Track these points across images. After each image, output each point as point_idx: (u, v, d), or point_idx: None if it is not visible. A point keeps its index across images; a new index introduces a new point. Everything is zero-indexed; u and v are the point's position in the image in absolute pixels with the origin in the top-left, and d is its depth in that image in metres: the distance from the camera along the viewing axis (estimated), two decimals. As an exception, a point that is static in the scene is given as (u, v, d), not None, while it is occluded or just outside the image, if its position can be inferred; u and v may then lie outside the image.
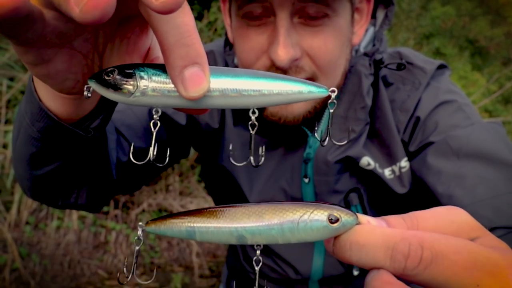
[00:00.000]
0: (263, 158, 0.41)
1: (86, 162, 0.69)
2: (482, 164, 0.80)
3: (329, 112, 0.40)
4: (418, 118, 0.90)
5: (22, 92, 3.02)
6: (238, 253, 1.12)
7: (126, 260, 0.41)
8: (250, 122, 0.39)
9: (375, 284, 0.31)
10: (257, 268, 0.38)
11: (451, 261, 0.30)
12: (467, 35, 7.19)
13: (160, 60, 0.41)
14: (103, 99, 0.55)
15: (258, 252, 0.37)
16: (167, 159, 0.43)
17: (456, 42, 6.93)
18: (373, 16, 0.96)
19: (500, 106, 5.96)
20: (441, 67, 0.97)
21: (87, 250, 3.09)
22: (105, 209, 3.28)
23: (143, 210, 3.38)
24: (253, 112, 0.38)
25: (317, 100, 0.85)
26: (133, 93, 0.36)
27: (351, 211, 0.34)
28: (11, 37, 0.35)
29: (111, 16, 0.30)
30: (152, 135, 0.39)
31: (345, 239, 0.34)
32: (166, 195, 3.50)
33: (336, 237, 0.34)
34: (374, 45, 0.93)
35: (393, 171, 0.91)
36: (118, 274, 0.39)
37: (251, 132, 0.39)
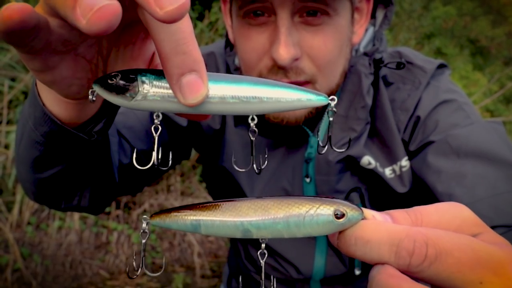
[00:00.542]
0: (266, 162, 0.41)
1: (89, 165, 0.69)
2: (482, 163, 0.80)
3: (329, 120, 0.40)
4: (418, 118, 0.90)
5: (24, 93, 3.02)
6: (240, 253, 1.13)
7: (134, 255, 0.41)
8: (250, 129, 0.39)
9: (380, 277, 0.31)
10: (262, 262, 0.38)
11: (455, 258, 0.30)
12: (468, 35, 7.18)
13: None
14: (105, 103, 0.56)
15: (263, 245, 0.38)
16: (170, 162, 0.43)
17: (457, 42, 6.92)
18: (373, 16, 0.96)
19: (501, 106, 5.95)
20: (441, 66, 0.97)
21: (89, 250, 3.09)
22: (106, 209, 3.29)
23: (145, 211, 3.38)
24: (252, 119, 0.39)
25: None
26: (134, 97, 0.37)
27: (357, 206, 0.34)
28: (18, 46, 0.35)
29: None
30: (154, 139, 0.39)
31: (350, 234, 0.34)
32: (167, 195, 3.50)
33: (341, 232, 0.34)
34: (374, 44, 0.94)
35: (393, 171, 0.91)
36: (127, 268, 0.39)
37: (252, 138, 0.39)
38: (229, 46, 0.98)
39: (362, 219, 0.34)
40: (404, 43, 5.70)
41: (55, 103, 0.53)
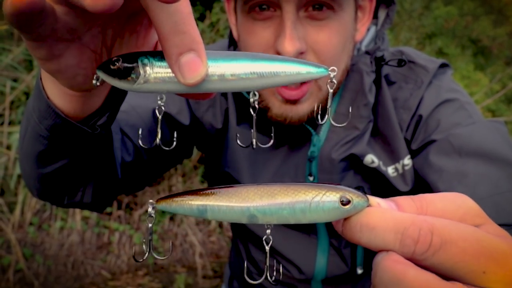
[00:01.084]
0: (271, 142, 0.42)
1: (92, 160, 0.69)
2: (484, 162, 0.80)
3: (330, 93, 0.40)
4: (420, 117, 0.90)
5: (26, 93, 3.03)
6: (241, 253, 1.13)
7: (143, 239, 0.42)
8: (251, 105, 0.39)
9: (385, 264, 0.31)
10: (267, 247, 0.38)
11: (459, 247, 0.31)
12: (469, 34, 7.16)
13: None
14: (109, 97, 0.56)
15: (268, 231, 0.38)
16: (174, 143, 0.44)
17: (458, 42, 6.91)
18: (375, 16, 0.96)
19: (503, 106, 5.94)
20: (443, 66, 0.97)
21: (91, 250, 3.10)
22: (108, 210, 3.29)
23: (146, 211, 3.38)
24: (254, 95, 0.39)
25: (321, 100, 0.86)
26: (136, 81, 0.37)
27: (362, 193, 0.35)
28: (25, 32, 0.36)
29: (120, 8, 0.31)
30: (158, 120, 0.40)
31: (355, 220, 0.34)
32: (169, 195, 3.50)
33: (346, 219, 0.35)
34: (375, 43, 0.94)
35: (396, 169, 0.92)
36: (134, 252, 0.40)
37: (253, 114, 0.40)
38: (233, 45, 0.98)
39: (368, 206, 0.34)
40: (406, 43, 5.69)
41: (59, 96, 0.53)
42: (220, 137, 1.01)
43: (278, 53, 0.80)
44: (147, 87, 0.38)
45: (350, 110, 0.90)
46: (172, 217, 3.46)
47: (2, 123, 2.87)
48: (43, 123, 0.58)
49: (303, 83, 0.82)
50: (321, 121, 0.41)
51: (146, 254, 0.40)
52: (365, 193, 1.01)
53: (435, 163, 0.85)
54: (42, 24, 0.35)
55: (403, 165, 0.91)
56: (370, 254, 0.98)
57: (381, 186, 0.94)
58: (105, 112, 0.58)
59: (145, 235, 3.28)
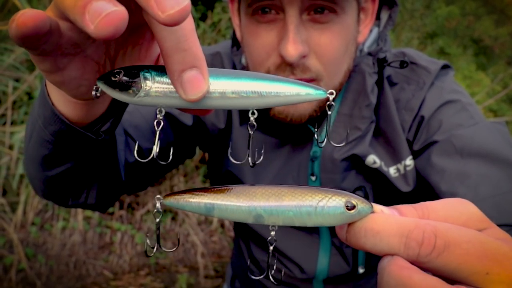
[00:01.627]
0: (261, 158, 0.42)
1: (96, 164, 0.70)
2: (485, 163, 0.81)
3: (328, 115, 0.40)
4: (422, 117, 0.91)
5: (28, 94, 3.03)
6: (243, 253, 1.13)
7: (147, 234, 0.43)
8: (249, 123, 0.40)
9: (392, 268, 0.32)
10: (271, 248, 0.39)
11: (463, 249, 0.31)
12: (471, 34, 7.16)
13: None
14: (113, 103, 0.57)
15: (273, 233, 0.38)
16: (170, 157, 0.44)
17: (460, 42, 6.90)
18: (377, 17, 0.97)
19: (505, 106, 5.93)
20: (445, 67, 0.98)
21: (93, 250, 3.10)
22: (110, 210, 3.30)
23: (148, 211, 3.39)
24: (253, 113, 0.39)
25: (322, 100, 0.86)
26: (137, 94, 0.38)
27: (367, 200, 0.35)
28: (30, 49, 0.37)
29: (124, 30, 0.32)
30: (156, 133, 0.40)
31: (360, 226, 0.34)
32: (170, 195, 3.50)
33: (350, 224, 0.35)
34: (378, 45, 0.94)
35: (398, 170, 0.92)
36: (146, 246, 0.40)
37: (250, 132, 0.40)
38: (236, 45, 0.98)
39: (372, 212, 0.35)
40: (407, 42, 5.69)
41: (64, 103, 0.54)
42: (223, 137, 1.01)
43: (281, 55, 0.80)
44: (147, 101, 0.38)
45: (351, 113, 0.90)
46: (174, 217, 3.46)
47: (4, 123, 2.88)
48: (48, 128, 0.59)
49: (306, 82, 0.83)
50: (319, 138, 0.41)
51: (155, 249, 0.40)
52: (366, 193, 1.01)
53: (437, 164, 0.85)
54: (47, 41, 0.36)
55: (405, 166, 0.91)
56: (371, 254, 0.99)
57: (383, 187, 0.94)
58: (108, 118, 0.59)
59: (147, 233, 3.28)
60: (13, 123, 2.91)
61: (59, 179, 0.71)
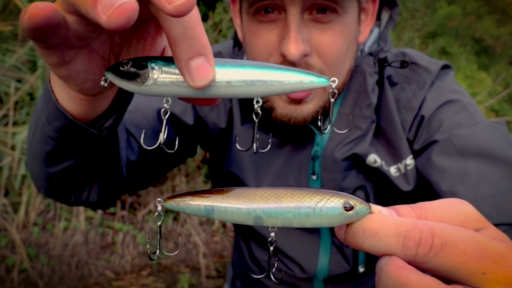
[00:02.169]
0: (268, 146, 0.43)
1: (98, 160, 0.71)
2: (485, 163, 0.81)
3: (332, 102, 0.41)
4: (422, 117, 0.91)
5: (30, 94, 3.04)
6: (243, 253, 1.13)
7: (148, 238, 0.43)
8: (254, 111, 0.40)
9: (390, 268, 0.32)
10: (271, 248, 0.40)
11: (460, 249, 0.31)
12: (473, 34, 7.15)
13: None
14: (116, 99, 0.58)
15: (273, 234, 0.39)
16: (176, 146, 0.45)
17: (462, 41, 6.89)
18: (378, 18, 0.97)
19: (506, 106, 5.92)
20: (445, 67, 0.98)
21: (95, 251, 3.10)
22: (112, 210, 3.30)
23: (150, 211, 3.39)
24: (257, 102, 0.40)
25: (325, 100, 0.86)
26: (145, 83, 0.39)
27: (365, 200, 0.36)
28: (39, 41, 0.38)
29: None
30: (162, 123, 0.41)
31: (358, 226, 0.35)
32: (172, 196, 3.51)
33: (348, 225, 0.36)
34: (378, 45, 0.95)
35: (398, 169, 0.92)
36: (149, 251, 0.41)
37: (255, 119, 0.41)
38: (238, 45, 0.99)
39: (370, 213, 0.35)
40: (408, 42, 5.68)
41: (68, 99, 0.55)
42: (224, 136, 1.02)
43: (283, 55, 0.80)
44: (154, 90, 0.39)
45: (351, 115, 0.91)
46: (176, 217, 3.47)
47: (7, 124, 2.88)
48: (51, 124, 0.59)
49: None
50: (323, 127, 0.42)
51: (157, 252, 0.41)
52: (367, 193, 1.02)
53: (437, 163, 0.85)
54: (55, 34, 0.37)
55: (406, 165, 0.92)
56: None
57: (383, 186, 0.95)
58: (112, 115, 0.59)
59: (148, 235, 3.29)
60: (15, 123, 2.92)
61: (62, 176, 0.71)
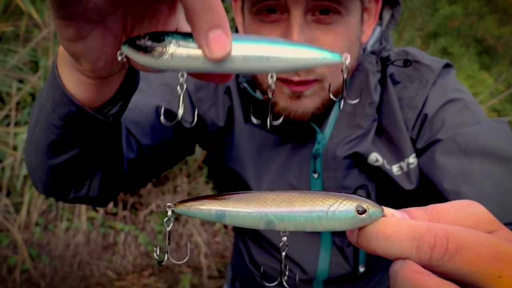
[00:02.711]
0: (281, 119, 0.44)
1: (101, 151, 0.71)
2: (489, 162, 0.81)
3: (344, 80, 0.41)
4: (425, 116, 0.91)
5: (31, 95, 3.04)
6: (243, 255, 1.13)
7: (155, 242, 0.42)
8: (268, 87, 0.41)
9: (405, 272, 0.32)
10: (283, 254, 0.40)
11: (475, 252, 0.31)
12: (474, 34, 7.13)
13: None
14: (122, 86, 0.58)
15: (284, 238, 0.39)
16: (195, 120, 0.46)
17: (463, 41, 6.88)
18: (380, 17, 0.97)
19: (508, 106, 5.91)
20: (447, 66, 0.98)
21: (96, 251, 3.11)
22: (113, 210, 3.30)
23: (151, 211, 3.39)
24: (271, 77, 0.40)
25: (324, 98, 0.86)
26: (161, 56, 0.39)
27: (377, 203, 0.35)
28: (61, 8, 0.38)
29: None
30: (179, 99, 0.41)
31: (371, 229, 0.34)
32: (174, 196, 3.51)
33: (360, 228, 0.35)
34: (381, 43, 0.95)
35: (401, 168, 0.92)
36: (156, 250, 0.41)
37: (269, 96, 0.41)
38: None
39: (382, 216, 0.35)
40: (409, 42, 5.68)
41: (75, 84, 0.55)
42: (222, 134, 1.02)
43: None
44: (171, 63, 0.39)
45: (354, 111, 0.91)
46: (177, 218, 3.47)
47: (8, 124, 2.89)
48: (56, 112, 0.59)
49: (308, 82, 0.84)
50: (336, 100, 0.42)
51: (166, 258, 0.41)
52: (369, 192, 1.01)
53: (441, 162, 0.85)
54: (76, 3, 0.38)
55: (408, 164, 0.92)
56: (371, 254, 0.99)
57: (386, 185, 0.94)
58: (118, 102, 0.59)
59: (154, 240, 3.29)
60: (16, 124, 2.92)
61: (64, 168, 0.71)
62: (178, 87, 0.41)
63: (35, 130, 0.68)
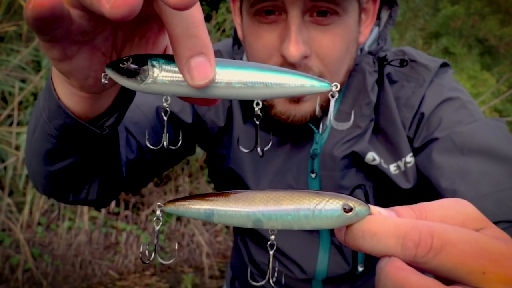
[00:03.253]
0: (270, 144, 0.43)
1: (99, 159, 0.71)
2: (486, 160, 0.81)
3: (332, 103, 0.41)
4: (422, 115, 0.91)
5: (34, 94, 3.05)
6: (243, 255, 1.13)
7: (147, 241, 0.43)
8: (255, 114, 0.40)
9: (389, 269, 0.32)
10: (271, 252, 0.39)
11: (459, 249, 0.31)
12: (476, 34, 7.13)
13: None
14: (118, 98, 0.58)
15: (272, 237, 0.39)
16: (180, 141, 0.45)
17: (465, 41, 6.88)
18: (378, 17, 0.97)
19: (510, 106, 5.91)
20: (444, 65, 0.98)
21: (98, 250, 3.11)
22: (115, 210, 3.31)
23: (153, 211, 3.40)
24: (257, 104, 0.40)
25: (323, 98, 0.87)
26: (144, 81, 0.38)
27: (364, 202, 0.36)
28: (41, 34, 0.38)
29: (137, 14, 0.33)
30: (164, 122, 0.41)
31: (357, 227, 0.35)
32: (176, 196, 3.52)
33: (348, 227, 0.36)
34: (378, 44, 0.95)
35: (398, 167, 0.92)
36: (141, 252, 0.41)
37: (256, 122, 0.41)
38: (237, 44, 0.99)
39: (369, 214, 0.35)
40: (411, 42, 5.68)
41: (69, 97, 0.55)
42: (222, 135, 1.02)
43: (283, 56, 0.81)
44: (154, 88, 0.39)
45: (352, 114, 0.92)
46: (179, 217, 3.47)
47: (11, 124, 2.90)
48: (52, 122, 0.59)
49: None
50: (321, 129, 0.42)
51: (152, 256, 0.41)
52: (366, 192, 1.01)
53: (438, 161, 0.85)
54: (58, 27, 0.37)
55: (405, 163, 0.92)
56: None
57: (383, 184, 0.95)
58: (113, 113, 0.59)
59: (152, 237, 3.29)
60: (19, 123, 2.93)
61: (62, 174, 0.71)
62: (162, 111, 0.41)
63: (33, 137, 0.68)
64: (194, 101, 0.44)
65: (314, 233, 1.00)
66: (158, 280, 3.05)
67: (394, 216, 0.36)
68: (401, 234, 0.32)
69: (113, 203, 3.27)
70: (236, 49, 0.99)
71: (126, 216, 3.32)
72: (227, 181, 1.06)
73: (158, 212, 0.39)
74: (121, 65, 0.39)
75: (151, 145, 0.46)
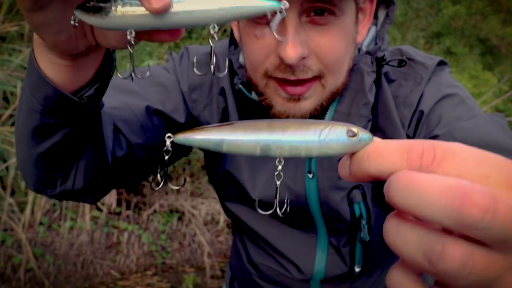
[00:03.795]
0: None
1: (83, 137, 0.73)
2: None
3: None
4: (421, 112, 0.91)
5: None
6: (241, 255, 1.13)
7: (159, 171, 0.44)
8: (210, 35, 0.43)
9: (398, 174, 0.32)
10: (278, 183, 0.41)
11: (461, 157, 0.32)
12: (478, 34, 7.11)
13: None
14: (99, 70, 0.61)
15: (280, 167, 0.40)
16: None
17: (467, 41, 6.87)
18: (375, 16, 0.97)
19: (511, 106, 5.90)
20: (441, 63, 0.98)
21: (100, 250, 3.12)
22: (117, 210, 3.32)
23: (155, 211, 3.40)
24: (213, 27, 0.43)
25: (325, 98, 0.86)
26: (108, 15, 0.42)
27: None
28: None
29: None
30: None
31: (362, 151, 0.36)
32: (177, 196, 3.52)
33: (352, 155, 0.37)
34: (376, 43, 0.95)
35: None
36: (150, 180, 0.43)
37: (211, 44, 0.44)
38: (234, 44, 0.99)
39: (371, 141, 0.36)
40: (413, 42, 5.67)
41: (50, 66, 0.57)
42: None
43: (281, 58, 0.80)
44: (117, 22, 0.43)
45: (349, 112, 0.92)
46: (180, 217, 3.48)
47: (13, 124, 2.90)
48: (35, 96, 0.61)
49: (306, 81, 0.83)
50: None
51: (161, 184, 0.43)
52: (364, 192, 1.00)
53: None
54: None
55: None
56: (367, 253, 0.99)
57: (382, 184, 0.94)
58: (94, 85, 0.62)
59: (156, 240, 3.29)
60: (21, 123, 2.93)
61: (48, 156, 0.72)
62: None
63: (19, 118, 0.70)
64: (158, 36, 0.47)
65: (311, 233, 1.00)
66: (159, 280, 3.05)
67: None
68: (405, 149, 0.33)
69: (114, 203, 3.28)
70: (232, 50, 0.99)
71: (127, 216, 3.33)
72: (225, 182, 1.06)
73: (168, 142, 0.41)
74: (87, 4, 0.43)
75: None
